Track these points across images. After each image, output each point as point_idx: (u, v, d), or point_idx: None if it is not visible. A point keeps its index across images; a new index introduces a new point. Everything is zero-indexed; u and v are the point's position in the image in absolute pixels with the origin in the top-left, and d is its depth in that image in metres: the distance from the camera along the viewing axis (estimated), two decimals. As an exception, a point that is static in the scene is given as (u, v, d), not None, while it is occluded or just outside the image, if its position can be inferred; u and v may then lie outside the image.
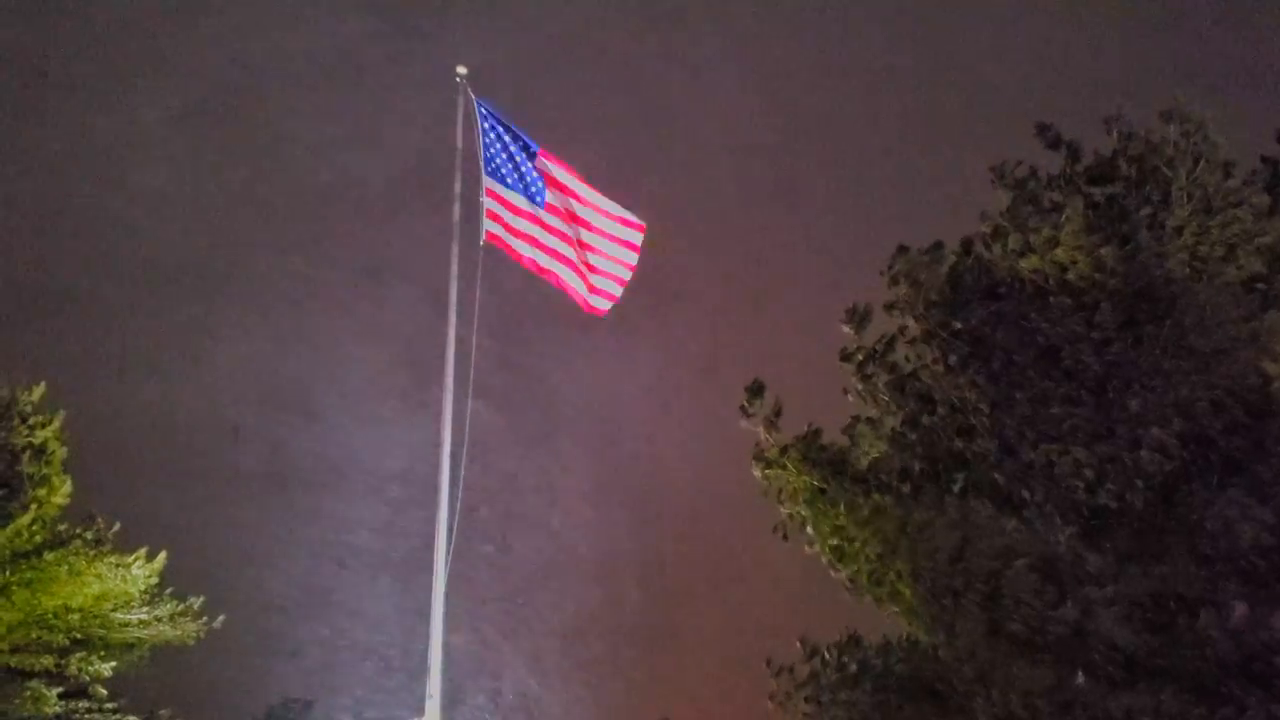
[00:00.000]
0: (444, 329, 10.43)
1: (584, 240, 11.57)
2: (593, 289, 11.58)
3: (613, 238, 11.64)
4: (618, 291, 11.70)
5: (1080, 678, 6.18)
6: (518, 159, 11.39)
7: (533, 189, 11.41)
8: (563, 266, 11.54)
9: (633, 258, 11.67)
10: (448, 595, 10.05)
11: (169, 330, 28.61)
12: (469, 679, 26.79)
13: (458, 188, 11.21)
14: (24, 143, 28.10)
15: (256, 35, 31.47)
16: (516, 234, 11.34)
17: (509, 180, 11.34)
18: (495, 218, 11.23)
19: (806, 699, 7.69)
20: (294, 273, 30.40)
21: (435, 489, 10.30)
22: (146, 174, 30.00)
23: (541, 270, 11.54)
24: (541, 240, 11.43)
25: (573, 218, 11.54)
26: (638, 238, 11.72)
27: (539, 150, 11.57)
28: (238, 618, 15.48)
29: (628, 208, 11.83)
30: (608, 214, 11.63)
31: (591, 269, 11.55)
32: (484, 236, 11.16)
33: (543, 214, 11.40)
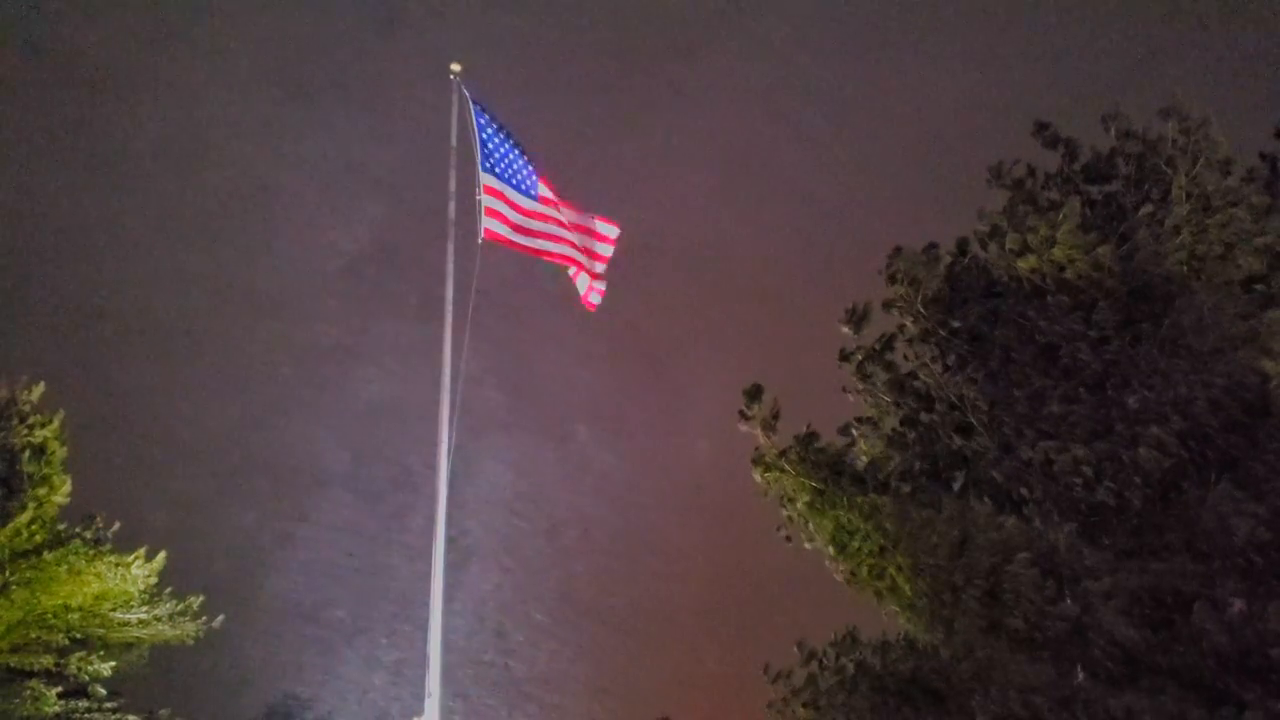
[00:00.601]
0: (442, 326, 10.41)
1: (573, 240, 11.75)
2: (593, 277, 11.86)
3: (595, 235, 11.90)
4: (602, 286, 12.01)
5: (1080, 675, 6.18)
6: (511, 155, 11.45)
7: (526, 183, 11.49)
8: (563, 249, 11.65)
9: (608, 250, 12.00)
10: (448, 594, 10.05)
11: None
12: (470, 676, 26.79)
13: (452, 185, 11.21)
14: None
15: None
16: (517, 228, 11.38)
17: (506, 175, 11.37)
18: (494, 214, 11.24)
19: (804, 705, 7.66)
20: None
21: (434, 489, 10.28)
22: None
23: (546, 255, 11.62)
24: (542, 230, 11.52)
25: (560, 216, 11.76)
26: (614, 232, 12.03)
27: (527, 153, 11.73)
28: (237, 617, 15.49)
29: (622, 209, 12.10)
30: (584, 225, 11.95)
31: (593, 258, 11.83)
32: (482, 234, 11.15)
33: (538, 206, 11.49)
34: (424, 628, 9.76)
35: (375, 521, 28.52)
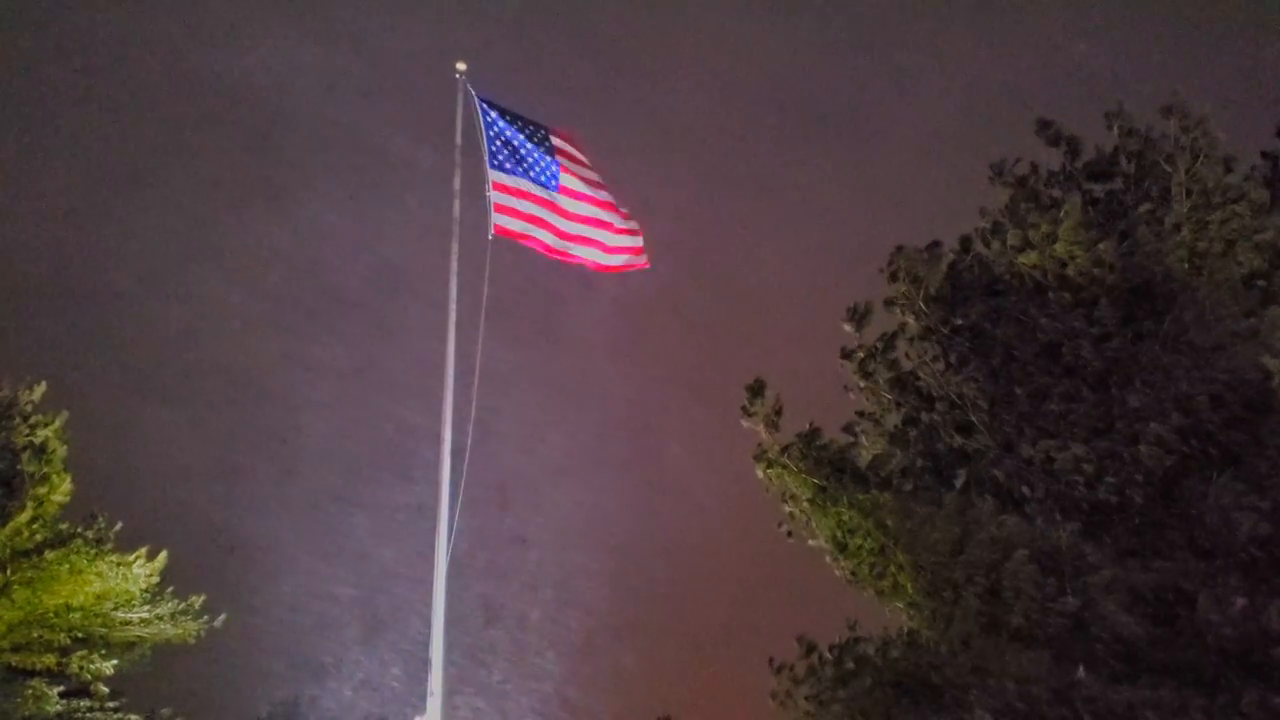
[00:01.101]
0: (445, 323, 10.43)
1: (599, 218, 11.65)
2: (622, 250, 11.75)
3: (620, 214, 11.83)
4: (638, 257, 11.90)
5: (1080, 670, 6.18)
6: (525, 147, 11.38)
7: (545, 174, 11.42)
8: (578, 246, 11.56)
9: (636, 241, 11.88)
10: (449, 592, 10.05)
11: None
12: (472, 675, 26.80)
13: (457, 184, 11.20)
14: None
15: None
16: (526, 218, 11.31)
17: (516, 170, 11.31)
18: (502, 209, 11.19)
19: (806, 697, 7.68)
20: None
21: (436, 486, 10.28)
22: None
23: (552, 251, 11.54)
24: (552, 223, 11.43)
25: (589, 194, 11.64)
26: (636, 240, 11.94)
27: (552, 129, 11.61)
28: (240, 616, 15.49)
29: (624, 207, 12.07)
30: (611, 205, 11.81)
31: (619, 231, 11.69)
32: (491, 230, 11.12)
33: (557, 197, 11.41)
34: (429, 628, 9.78)
35: (389, 524, 28.55)
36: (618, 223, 11.78)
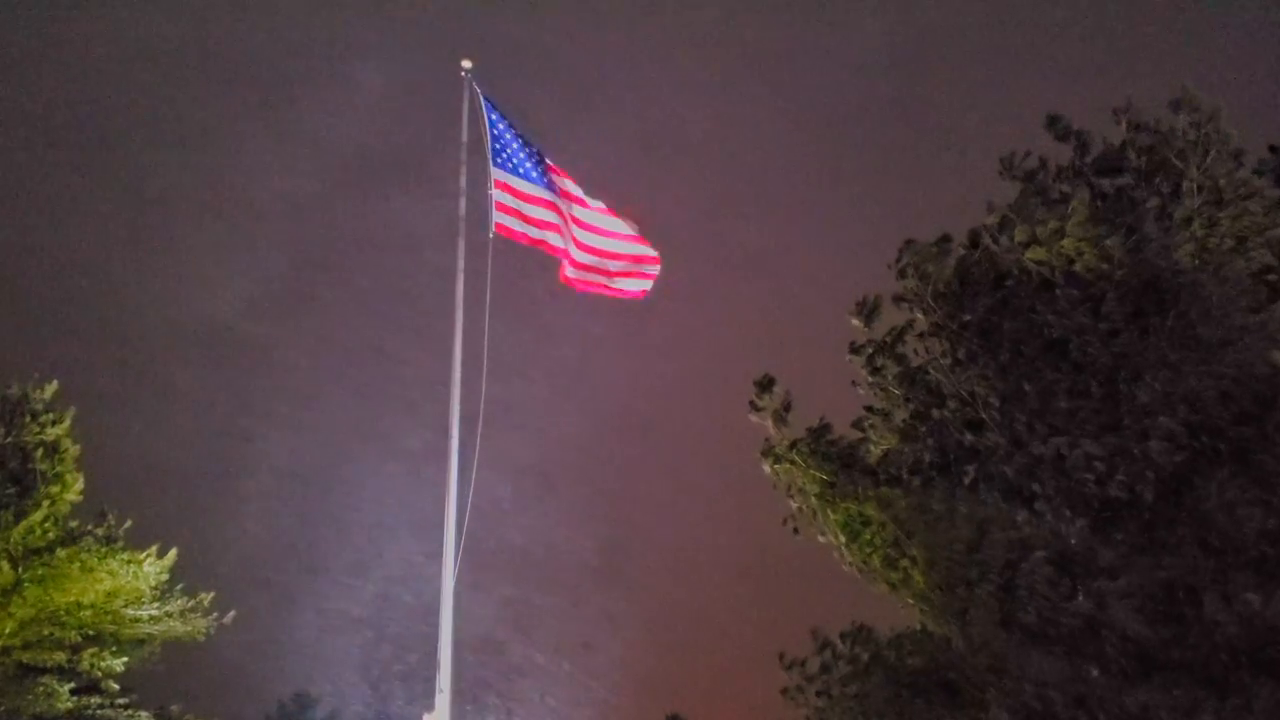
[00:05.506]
0: (451, 320, 10.41)
1: (591, 244, 11.62)
2: (617, 275, 11.63)
3: (621, 236, 11.74)
4: (648, 283, 11.75)
5: (1094, 671, 6.17)
6: (525, 150, 11.40)
7: (538, 176, 11.44)
8: (576, 250, 11.53)
9: (648, 251, 11.75)
10: (457, 590, 10.04)
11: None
12: (479, 674, 26.84)
13: (463, 181, 11.17)
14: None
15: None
16: (528, 220, 11.32)
17: (520, 170, 11.33)
18: (504, 209, 11.20)
19: (818, 693, 7.68)
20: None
21: (443, 481, 10.26)
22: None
23: (555, 250, 11.53)
24: (554, 222, 11.44)
25: (572, 217, 11.65)
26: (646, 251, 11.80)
27: (547, 162, 11.64)
28: (249, 614, 15.53)
29: (633, 205, 12.06)
30: (614, 234, 11.75)
31: (613, 257, 11.62)
32: (493, 228, 11.11)
33: (556, 197, 11.43)
34: (435, 625, 9.77)
35: (387, 522, 28.61)
36: (626, 248, 11.68)
